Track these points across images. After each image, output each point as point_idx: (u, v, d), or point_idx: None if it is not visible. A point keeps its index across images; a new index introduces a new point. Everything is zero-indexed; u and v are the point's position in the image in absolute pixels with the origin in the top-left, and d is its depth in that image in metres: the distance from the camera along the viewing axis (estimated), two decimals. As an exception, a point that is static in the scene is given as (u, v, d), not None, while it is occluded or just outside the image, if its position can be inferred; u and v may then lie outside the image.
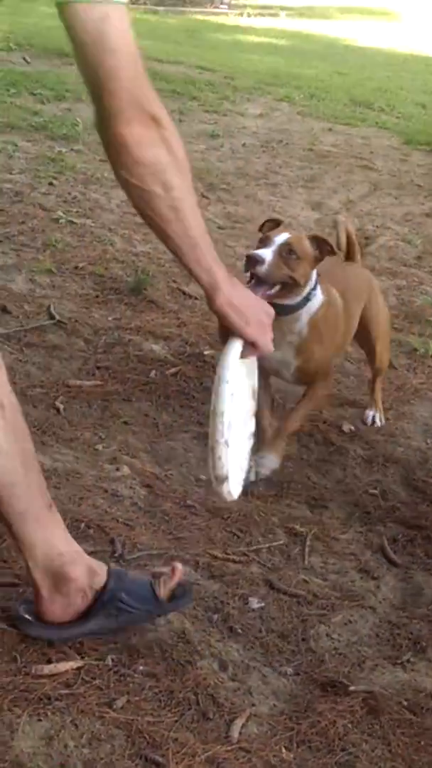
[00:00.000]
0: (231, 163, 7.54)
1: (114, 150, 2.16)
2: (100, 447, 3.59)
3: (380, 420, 4.21)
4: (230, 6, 18.04)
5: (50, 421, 3.69)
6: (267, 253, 3.27)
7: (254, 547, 3.20)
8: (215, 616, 2.81)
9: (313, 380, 3.68)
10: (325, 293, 3.57)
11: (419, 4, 21.15)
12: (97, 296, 4.82)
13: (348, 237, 3.99)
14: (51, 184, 6.21)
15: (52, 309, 4.54)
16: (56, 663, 2.45)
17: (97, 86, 2.10)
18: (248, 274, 3.27)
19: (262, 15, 17.59)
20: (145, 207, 2.24)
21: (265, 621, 2.84)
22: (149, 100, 2.14)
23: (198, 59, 11.44)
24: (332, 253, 3.49)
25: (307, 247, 3.39)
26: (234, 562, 3.09)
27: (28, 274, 4.87)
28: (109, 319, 4.60)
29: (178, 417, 3.93)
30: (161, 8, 16.64)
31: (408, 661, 2.78)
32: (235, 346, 2.42)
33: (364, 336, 4.08)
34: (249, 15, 17.33)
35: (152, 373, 4.17)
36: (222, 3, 17.98)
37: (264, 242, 3.36)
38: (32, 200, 5.84)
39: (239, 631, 2.77)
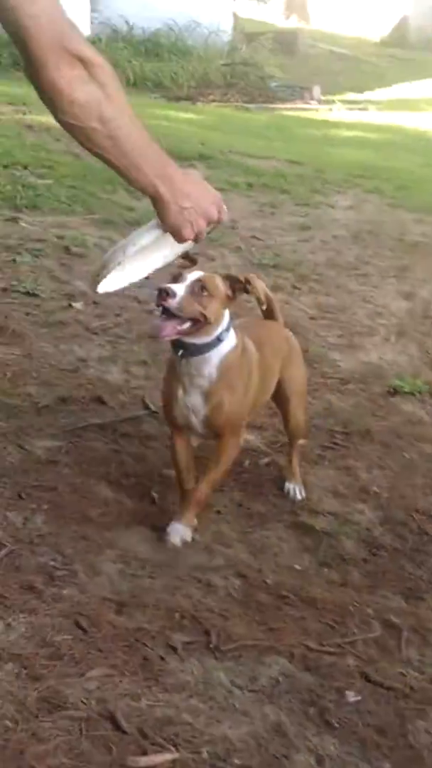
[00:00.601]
0: (322, 254, 7.61)
1: (48, 96, 2.30)
2: (194, 537, 3.59)
3: (300, 493, 4.04)
4: (320, 101, 18.32)
5: (145, 510, 3.72)
6: (179, 288, 3.26)
7: (349, 639, 3.16)
8: (311, 710, 2.78)
9: (222, 434, 3.57)
10: (239, 338, 3.51)
11: None
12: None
13: (266, 296, 3.80)
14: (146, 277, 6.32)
15: (146, 399, 4.60)
16: (151, 755, 2.44)
17: (20, 36, 2.22)
18: (159, 308, 3.26)
19: (351, 109, 17.84)
20: (87, 142, 2.42)
21: (362, 715, 2.80)
22: (73, 41, 2.26)
23: (288, 153, 11.62)
24: (244, 290, 3.43)
25: (220, 285, 3.37)
26: (329, 654, 3.06)
27: (123, 365, 4.95)
28: (203, 409, 4.64)
29: (272, 506, 3.93)
30: (252, 105, 16.97)
31: None
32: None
33: (279, 395, 4.00)
34: (338, 109, 17.59)
35: (246, 463, 4.18)
36: (312, 99, 18.27)
37: (177, 278, 3.33)
38: (127, 293, 5.95)
39: (335, 725, 2.73)
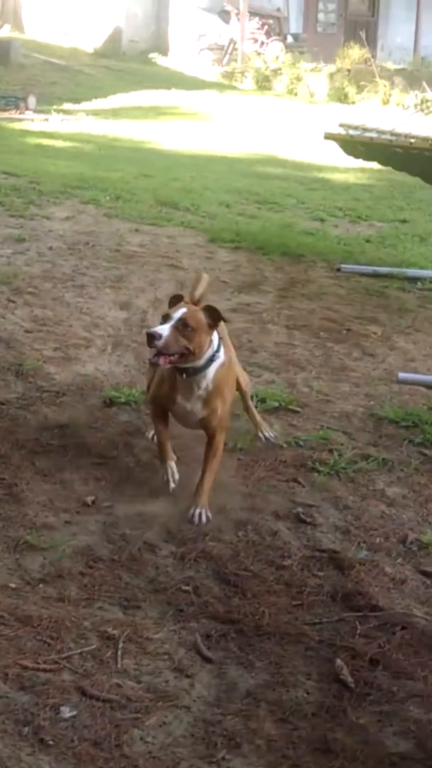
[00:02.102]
0: (38, 266, 7.56)
1: None
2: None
3: (271, 433, 4.96)
4: (35, 112, 18.19)
5: None
6: (164, 329, 3.99)
7: (66, 654, 3.16)
8: (26, 729, 2.76)
9: (213, 433, 4.31)
10: (227, 356, 4.29)
11: (225, 106, 21.81)
12: None
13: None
14: None
15: None
16: None
17: None
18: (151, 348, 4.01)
19: (67, 120, 17.80)
20: None
21: (78, 729, 2.80)
22: None
23: (3, 165, 11.48)
24: (224, 320, 4.21)
25: (201, 318, 4.09)
26: (45, 671, 3.05)
27: None
28: None
29: (-14, 525, 3.87)
30: (-35, 115, 16.71)
31: (223, 758, 2.79)
32: None
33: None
34: (54, 120, 17.51)
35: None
36: (27, 109, 18.12)
37: (165, 319, 4.06)
38: None
39: (50, 742, 2.72)
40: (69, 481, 4.33)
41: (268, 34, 27.65)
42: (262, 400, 5.41)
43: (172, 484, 4.28)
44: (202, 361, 4.14)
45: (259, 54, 27.07)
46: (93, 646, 3.23)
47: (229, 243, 9.12)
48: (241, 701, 3.08)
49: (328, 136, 9.06)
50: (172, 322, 4.02)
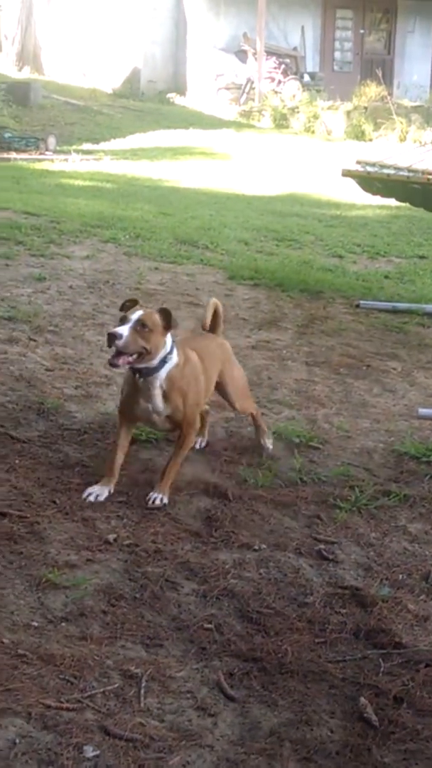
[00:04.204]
0: (58, 305, 7.60)
1: None
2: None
3: (270, 445, 5.24)
4: (55, 152, 18.36)
5: None
6: (124, 329, 4.27)
7: (88, 693, 3.15)
8: (49, 769, 2.75)
9: (182, 426, 4.61)
10: (182, 355, 4.56)
11: (243, 144, 21.95)
12: None
13: (215, 313, 5.12)
14: None
15: None
16: None
17: None
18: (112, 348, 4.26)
19: (87, 159, 17.95)
20: None
21: (101, 769, 2.79)
22: None
23: (24, 204, 11.56)
24: (173, 323, 4.42)
25: (157, 319, 4.39)
26: (68, 710, 3.04)
27: None
28: None
29: (8, 563, 3.87)
30: (-15, 156, 16.86)
31: (247, 798, 2.76)
32: None
33: (224, 391, 5.06)
34: (74, 160, 17.66)
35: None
36: (47, 149, 18.29)
37: (123, 321, 4.35)
38: None
39: (73, 782, 2.70)
40: (91, 519, 4.34)
41: (285, 73, 27.82)
42: (282, 436, 5.42)
43: (91, 500, 4.46)
44: (155, 362, 4.44)
45: (276, 93, 27.24)
46: (116, 685, 3.22)
47: (248, 280, 9.16)
48: (265, 740, 3.06)
49: (346, 173, 9.11)
50: (130, 324, 4.31)
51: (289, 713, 3.23)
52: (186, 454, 4.75)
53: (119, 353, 4.30)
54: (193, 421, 4.73)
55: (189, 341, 4.97)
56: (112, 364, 4.38)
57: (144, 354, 4.36)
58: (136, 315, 4.35)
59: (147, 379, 4.48)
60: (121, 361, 4.32)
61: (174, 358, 4.54)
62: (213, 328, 5.17)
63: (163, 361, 4.47)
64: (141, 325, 4.32)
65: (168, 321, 4.43)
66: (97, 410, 5.56)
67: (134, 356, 4.34)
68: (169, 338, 4.50)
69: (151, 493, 4.53)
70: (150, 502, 4.50)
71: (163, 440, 5.11)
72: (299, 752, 3.03)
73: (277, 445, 5.33)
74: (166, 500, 4.52)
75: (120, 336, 4.25)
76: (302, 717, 3.21)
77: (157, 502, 4.50)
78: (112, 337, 4.25)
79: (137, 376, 4.49)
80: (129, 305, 4.54)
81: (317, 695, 3.34)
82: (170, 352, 4.52)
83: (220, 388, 5.07)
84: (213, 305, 5.13)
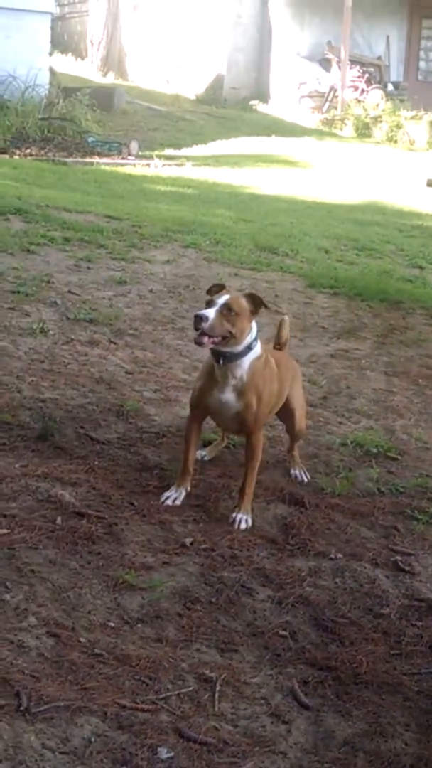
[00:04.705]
0: (138, 308, 7.64)
1: None
2: (7, 597, 3.53)
3: (305, 476, 5.02)
4: (137, 157, 18.47)
5: None
6: (210, 312, 4.26)
7: (163, 695, 3.17)
8: (123, 769, 2.76)
9: (249, 431, 4.56)
10: (263, 350, 4.53)
11: (324, 152, 21.89)
12: (3, 443, 4.81)
13: (283, 330, 5.07)
14: None
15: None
16: None
17: None
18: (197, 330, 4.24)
19: (168, 165, 18.03)
20: None
21: (175, 771, 2.80)
22: None
23: (106, 208, 11.64)
24: (265, 306, 4.44)
25: (244, 304, 4.37)
26: (143, 710, 3.05)
27: None
28: (16, 466, 4.59)
29: (86, 563, 3.90)
30: (70, 160, 16.97)
31: (320, 806, 2.75)
32: None
33: (287, 407, 4.94)
34: (156, 165, 17.77)
35: (57, 520, 4.14)
36: (130, 154, 18.40)
37: (209, 304, 4.34)
38: None
39: (148, 783, 2.72)
40: (168, 522, 4.35)
41: (368, 82, 27.67)
42: (360, 446, 5.40)
43: (169, 503, 4.49)
44: (240, 347, 4.41)
45: (359, 102, 27.11)
46: (190, 688, 3.23)
47: (327, 289, 9.13)
48: (339, 749, 3.05)
49: (431, 183, 9.05)
50: (216, 307, 4.30)
51: (363, 724, 3.22)
52: (258, 466, 4.63)
53: (204, 335, 4.29)
54: (261, 427, 4.66)
55: (267, 349, 4.87)
56: (197, 342, 4.34)
57: (229, 338, 4.34)
58: (222, 299, 4.33)
59: (228, 365, 4.44)
60: (206, 340, 4.29)
61: (258, 349, 4.50)
62: (282, 347, 5.10)
63: (248, 348, 4.43)
64: (227, 309, 4.30)
65: (256, 305, 4.42)
66: (176, 414, 5.57)
67: (219, 338, 4.32)
68: (254, 325, 4.47)
69: (234, 514, 4.48)
70: (235, 525, 4.43)
71: (240, 446, 5.10)
72: (373, 763, 3.01)
73: (355, 454, 5.30)
74: (250, 522, 4.46)
75: (206, 318, 4.24)
76: (376, 728, 3.19)
77: (243, 525, 4.44)
78: (199, 320, 4.25)
79: (220, 361, 4.44)
80: (216, 289, 4.52)
81: (392, 707, 3.32)
82: (255, 340, 4.47)
83: (285, 406, 4.96)
84: (287, 324, 5.15)
